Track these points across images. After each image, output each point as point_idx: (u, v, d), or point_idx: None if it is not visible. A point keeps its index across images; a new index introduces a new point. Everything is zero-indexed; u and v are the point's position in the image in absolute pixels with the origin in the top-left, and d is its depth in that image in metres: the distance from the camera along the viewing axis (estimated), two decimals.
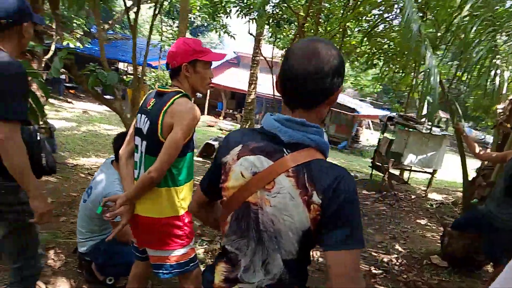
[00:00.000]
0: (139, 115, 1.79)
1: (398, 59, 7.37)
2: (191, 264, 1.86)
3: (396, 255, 4.34)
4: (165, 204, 1.75)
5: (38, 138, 1.86)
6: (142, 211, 1.77)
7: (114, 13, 19.64)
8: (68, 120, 9.76)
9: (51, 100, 12.87)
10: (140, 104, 1.82)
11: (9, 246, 1.74)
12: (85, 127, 9.00)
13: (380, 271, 3.86)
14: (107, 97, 4.09)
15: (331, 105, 1.08)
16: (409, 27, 2.92)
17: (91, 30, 19.69)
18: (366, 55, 8.00)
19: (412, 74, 8.26)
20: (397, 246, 4.69)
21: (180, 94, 1.74)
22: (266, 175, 1.01)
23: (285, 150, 1.01)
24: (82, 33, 17.58)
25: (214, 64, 17.94)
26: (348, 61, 9.32)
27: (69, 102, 13.56)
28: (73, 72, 2.84)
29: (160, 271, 1.81)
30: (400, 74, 8.37)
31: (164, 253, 1.78)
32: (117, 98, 3.17)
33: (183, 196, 1.80)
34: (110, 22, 21.00)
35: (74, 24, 15.68)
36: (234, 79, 18.55)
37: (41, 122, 4.61)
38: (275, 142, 1.03)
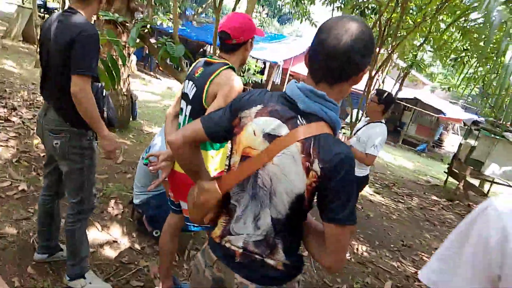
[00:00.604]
0: (186, 81, 1.96)
1: (495, 58, 6.65)
2: None
3: None
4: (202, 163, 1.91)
5: (104, 94, 2.15)
6: (179, 168, 1.94)
7: None
8: (154, 93, 10.63)
9: (142, 75, 14.11)
10: (189, 71, 1.99)
11: (69, 182, 2.06)
12: (167, 101, 9.74)
13: None
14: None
15: (354, 84, 1.09)
16: (489, 16, 2.68)
17: (186, 12, 20.95)
18: (458, 52, 7.35)
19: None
20: None
21: (227, 66, 1.86)
22: (281, 143, 1.04)
23: (299, 117, 1.05)
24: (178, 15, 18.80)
25: (296, 53, 17.93)
26: (436, 57, 8.65)
27: (158, 78, 14.69)
28: (147, 43, 3.14)
29: (190, 223, 2.00)
30: (495, 74, 7.55)
31: None
32: (183, 70, 3.44)
33: (218, 159, 1.96)
34: (203, 6, 22.13)
35: (170, 5, 16.71)
36: None
37: (124, 90, 5.15)
38: (292, 109, 1.06)
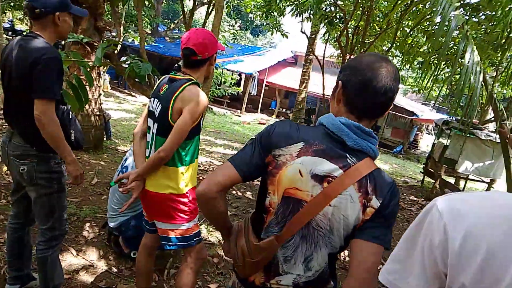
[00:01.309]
0: (152, 98, 1.95)
1: (459, 59, 6.91)
2: (195, 239, 1.99)
3: None
4: (172, 181, 1.89)
5: (70, 117, 2.11)
6: (151, 187, 1.92)
7: (181, 13, 20.64)
8: (128, 111, 10.52)
9: (116, 93, 13.94)
10: (154, 89, 1.99)
11: (39, 208, 2.00)
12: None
13: None
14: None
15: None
16: (445, 21, 2.80)
17: (158, 28, 20.92)
18: (424, 54, 7.61)
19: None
20: None
21: (191, 82, 1.87)
22: (338, 185, 1.04)
23: (348, 156, 1.06)
24: (150, 32, 18.76)
25: (270, 63, 18.15)
26: (404, 61, 8.92)
27: (133, 96, 14.55)
28: (114, 62, 3.12)
29: (166, 242, 1.97)
30: (459, 75, 7.84)
31: (170, 226, 1.93)
32: (152, 87, 3.43)
33: (189, 175, 1.95)
34: (176, 21, 22.18)
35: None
36: (290, 78, 18.58)
37: (96, 110, 5.08)
38: (338, 146, 1.06)
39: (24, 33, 1.95)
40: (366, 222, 1.06)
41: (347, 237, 1.10)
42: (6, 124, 2.03)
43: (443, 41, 4.19)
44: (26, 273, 2.25)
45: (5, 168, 3.83)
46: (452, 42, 6.43)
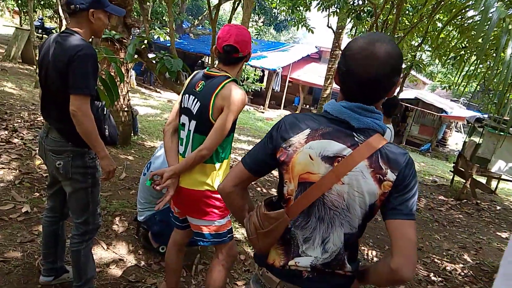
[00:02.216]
0: (186, 95, 1.93)
1: (494, 54, 6.61)
2: (228, 235, 1.98)
3: (462, 265, 3.99)
4: (208, 178, 1.89)
5: (105, 113, 2.13)
6: (186, 184, 1.91)
7: (205, 9, 20.76)
8: (154, 107, 10.66)
9: (141, 89, 14.17)
10: (186, 85, 1.97)
11: (73, 203, 2.04)
12: (167, 115, 9.75)
13: (440, 279, 3.59)
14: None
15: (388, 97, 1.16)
16: (487, 14, 2.66)
17: (182, 25, 21.12)
18: (457, 50, 7.33)
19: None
20: (465, 256, 4.30)
21: (230, 79, 1.84)
22: (348, 163, 1.06)
23: (355, 134, 1.08)
24: (174, 29, 18.95)
25: (294, 59, 17.99)
26: (435, 56, 8.63)
27: (158, 92, 14.76)
28: (145, 58, 3.14)
29: (200, 238, 1.97)
30: (496, 71, 7.50)
31: (204, 222, 1.93)
32: (182, 84, 3.43)
33: (223, 172, 1.94)
34: (199, 18, 22.32)
35: (166, 19, 16.89)
36: (314, 74, 18.36)
37: (124, 106, 5.16)
38: (344, 127, 1.09)
39: (60, 30, 1.97)
40: (390, 200, 1.06)
41: (365, 216, 1.11)
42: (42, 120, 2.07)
43: (482, 35, 4.00)
44: (60, 266, 2.30)
45: (37, 162, 3.95)
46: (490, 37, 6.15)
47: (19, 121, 5.18)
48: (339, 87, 1.15)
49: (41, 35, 16.24)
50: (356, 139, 1.08)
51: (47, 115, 2.00)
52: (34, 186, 3.48)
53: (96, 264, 2.41)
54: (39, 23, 16.66)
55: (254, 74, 17.24)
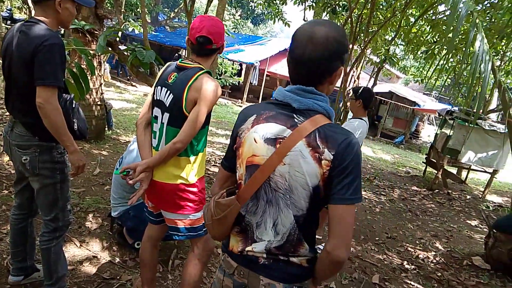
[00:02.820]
0: (158, 87, 1.89)
1: (464, 48, 6.80)
2: (204, 229, 1.96)
3: (434, 253, 4.13)
4: (182, 171, 1.86)
5: (73, 106, 2.05)
6: (160, 177, 1.88)
7: (181, 2, 20.40)
8: (129, 101, 10.44)
9: (116, 83, 13.84)
10: (159, 77, 1.93)
11: (42, 199, 1.96)
12: None
13: (413, 267, 3.70)
14: None
15: (331, 85, 1.15)
16: (456, 8, 2.73)
17: (158, 17, 20.71)
18: (429, 44, 7.50)
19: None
20: (437, 244, 4.45)
21: (204, 71, 1.81)
22: (287, 144, 1.09)
23: (295, 115, 1.12)
24: (149, 21, 18.56)
25: (272, 53, 17.99)
26: (408, 50, 8.81)
27: (133, 86, 14.44)
28: (116, 50, 3.06)
29: (175, 233, 1.94)
30: (465, 64, 7.74)
31: (179, 216, 1.90)
32: (155, 76, 3.36)
33: (198, 165, 1.91)
34: (176, 10, 21.93)
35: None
36: None
37: (97, 100, 5.02)
38: (286, 110, 1.13)
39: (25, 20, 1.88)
40: (330, 182, 1.07)
41: (311, 198, 1.10)
42: (8, 114, 1.98)
43: (451, 29, 4.11)
44: (29, 265, 2.22)
45: (6, 158, 3.80)
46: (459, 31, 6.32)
47: None
48: None
49: (9, 26, 15.55)
50: (296, 120, 1.11)
51: (11, 109, 1.91)
52: (2, 183, 3.35)
53: (68, 262, 2.35)
54: (7, 14, 15.93)
55: (232, 68, 17.12)
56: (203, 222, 1.95)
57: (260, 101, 18.55)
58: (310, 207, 1.12)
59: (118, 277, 2.50)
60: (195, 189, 1.89)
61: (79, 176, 3.84)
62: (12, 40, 1.78)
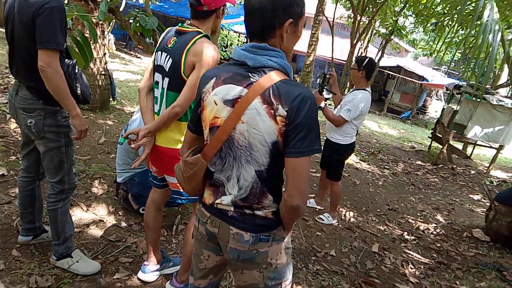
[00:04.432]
0: (159, 52, 1.89)
1: (477, 21, 6.59)
2: None
3: (434, 225, 4.18)
4: (183, 136, 1.86)
5: (76, 71, 2.06)
6: (162, 142, 1.91)
7: None
8: (134, 73, 10.40)
9: (121, 54, 13.74)
10: (159, 42, 1.92)
11: (48, 162, 2.01)
12: None
13: (413, 238, 3.77)
14: None
15: (283, 38, 1.16)
16: None
17: None
18: (439, 15, 7.29)
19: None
20: (438, 217, 4.50)
21: (202, 35, 1.80)
22: (244, 102, 1.13)
23: (250, 74, 1.14)
24: None
25: None
26: (417, 23, 8.59)
27: (138, 57, 14.34)
28: (118, 17, 3.02)
29: (178, 196, 1.99)
30: (474, 36, 7.53)
31: None
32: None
33: None
34: None
35: None
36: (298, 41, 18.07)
37: (101, 69, 5.01)
38: (242, 69, 1.16)
39: None
40: (286, 137, 1.11)
41: (271, 153, 1.15)
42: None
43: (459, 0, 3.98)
44: (38, 226, 2.30)
45: (13, 125, 3.85)
46: (469, 1, 6.12)
47: None
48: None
49: None
50: (251, 79, 1.13)
51: (16, 73, 1.92)
52: (9, 150, 3.41)
53: (75, 225, 2.42)
54: None
55: (238, 40, 16.87)
56: None
57: None
58: (271, 162, 1.17)
59: (123, 240, 2.58)
60: None
61: (85, 145, 3.92)
62: (14, 5, 1.78)
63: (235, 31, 16.61)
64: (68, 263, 2.13)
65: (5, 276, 1.99)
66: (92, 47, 2.89)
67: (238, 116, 1.14)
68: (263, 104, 1.10)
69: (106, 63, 5.28)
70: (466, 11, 6.49)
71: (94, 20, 4.11)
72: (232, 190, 1.24)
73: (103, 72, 5.14)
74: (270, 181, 1.21)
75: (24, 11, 1.72)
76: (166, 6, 18.46)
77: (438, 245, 3.67)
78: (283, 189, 1.24)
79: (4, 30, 1.91)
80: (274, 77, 1.11)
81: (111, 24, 12.07)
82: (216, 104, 1.19)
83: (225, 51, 15.93)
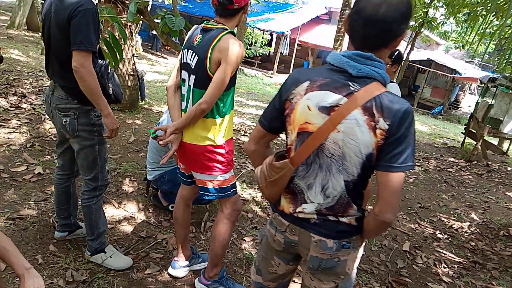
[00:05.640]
0: (185, 50, 1.91)
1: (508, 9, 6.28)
2: (232, 190, 2.02)
3: (469, 223, 4.03)
4: (209, 132, 1.89)
5: (108, 71, 2.11)
6: (189, 139, 1.93)
7: None
8: (161, 73, 10.61)
9: (148, 55, 14.04)
10: (186, 40, 1.94)
11: (82, 160, 2.08)
12: None
13: (446, 236, 3.64)
14: None
15: (393, 49, 1.16)
16: None
17: None
18: (471, 4, 6.99)
19: None
20: (472, 215, 4.33)
21: (227, 31, 1.81)
22: (342, 112, 1.10)
23: (350, 83, 1.10)
24: None
25: (303, 21, 17.46)
26: (448, 13, 8.28)
27: (164, 58, 14.61)
28: (146, 17, 3.08)
29: (205, 193, 2.01)
30: (509, 27, 7.17)
31: (208, 177, 1.96)
32: None
33: (225, 127, 1.94)
34: None
35: None
36: (324, 36, 17.84)
37: (130, 70, 5.13)
38: (342, 77, 1.12)
39: None
40: (382, 150, 1.08)
41: (363, 165, 1.13)
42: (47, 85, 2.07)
43: None
44: (73, 222, 2.38)
45: (47, 126, 4.01)
46: None
47: (28, 87, 5.22)
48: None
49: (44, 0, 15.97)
50: (351, 88, 1.09)
51: (51, 73, 2.00)
52: (45, 149, 3.55)
53: (108, 221, 2.49)
54: None
55: (262, 38, 16.85)
56: (232, 183, 2.02)
57: (291, 71, 18.24)
58: (361, 173, 1.15)
59: (154, 236, 2.63)
60: (222, 151, 1.93)
61: (115, 144, 4.03)
62: (50, 7, 1.85)
63: (259, 29, 16.60)
64: (101, 258, 2.20)
65: (43, 270, 2.08)
66: (121, 48, 2.95)
67: (334, 125, 1.11)
68: (364, 115, 1.07)
69: (134, 64, 5.40)
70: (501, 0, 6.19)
71: (123, 22, 4.21)
72: (314, 198, 1.22)
73: (131, 73, 5.26)
74: (357, 190, 1.20)
75: (60, 13, 1.79)
76: (191, 6, 18.69)
77: (473, 244, 3.53)
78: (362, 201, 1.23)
79: (37, 35, 1.99)
80: (376, 88, 1.09)
81: (138, 25, 12.36)
82: (309, 109, 1.15)
83: (249, 49, 15.95)
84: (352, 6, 1.12)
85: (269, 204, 1.44)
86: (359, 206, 1.22)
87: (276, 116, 1.26)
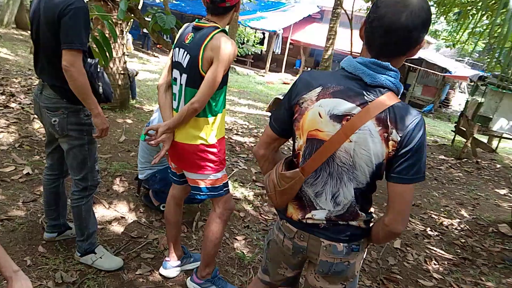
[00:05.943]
0: (176, 49, 1.89)
1: (503, 9, 6.34)
2: (224, 189, 2.02)
3: (459, 220, 4.07)
4: (202, 131, 1.88)
5: (98, 70, 2.09)
6: (181, 138, 1.92)
7: None
8: (152, 72, 10.54)
9: (139, 54, 13.94)
10: (177, 38, 1.92)
11: (71, 160, 2.05)
12: None
13: (436, 233, 3.68)
14: None
15: (411, 57, 1.14)
16: None
17: None
18: (462, 3, 7.05)
19: None
20: (462, 212, 4.38)
21: (219, 30, 1.80)
22: (356, 122, 1.08)
23: (364, 92, 1.08)
24: None
25: (295, 19, 17.48)
26: (439, 13, 8.34)
27: (155, 56, 14.52)
28: (137, 15, 3.05)
29: (197, 192, 2.00)
30: (498, 25, 7.25)
31: (200, 176, 1.95)
32: None
33: (217, 126, 1.93)
34: None
35: None
36: (316, 35, 17.89)
37: (120, 69, 5.08)
38: (356, 85, 1.10)
39: None
40: (393, 161, 1.08)
41: (373, 174, 1.13)
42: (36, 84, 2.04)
43: None
44: (62, 223, 2.35)
45: (36, 125, 3.96)
46: None
47: (16, 86, 5.15)
48: (362, 39, 1.13)
49: None
50: (366, 97, 1.07)
51: (40, 72, 1.97)
52: (34, 149, 3.51)
53: (98, 222, 2.46)
54: None
55: (254, 36, 16.84)
56: (224, 182, 2.01)
57: (283, 70, 18.26)
58: (371, 181, 1.16)
59: (145, 236, 2.61)
60: (215, 150, 1.92)
61: (106, 143, 3.99)
62: (39, 5, 1.82)
63: (251, 27, 16.58)
64: (91, 259, 2.18)
65: (32, 271, 2.05)
66: (112, 46, 2.92)
67: (348, 135, 1.09)
68: (377, 126, 1.06)
69: (125, 62, 5.35)
70: None
71: (113, 20, 4.17)
72: (325, 205, 1.22)
73: (122, 72, 5.22)
74: (365, 197, 1.22)
75: (49, 11, 1.76)
76: (183, 5, 18.60)
77: (463, 240, 3.57)
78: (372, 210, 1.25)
79: (25, 33, 1.96)
80: (390, 99, 1.07)
81: (129, 23, 12.26)
82: (320, 116, 1.13)
83: (241, 48, 15.92)
84: (368, 13, 1.10)
85: (276, 210, 1.42)
86: (366, 211, 1.24)
87: (286, 120, 1.24)
